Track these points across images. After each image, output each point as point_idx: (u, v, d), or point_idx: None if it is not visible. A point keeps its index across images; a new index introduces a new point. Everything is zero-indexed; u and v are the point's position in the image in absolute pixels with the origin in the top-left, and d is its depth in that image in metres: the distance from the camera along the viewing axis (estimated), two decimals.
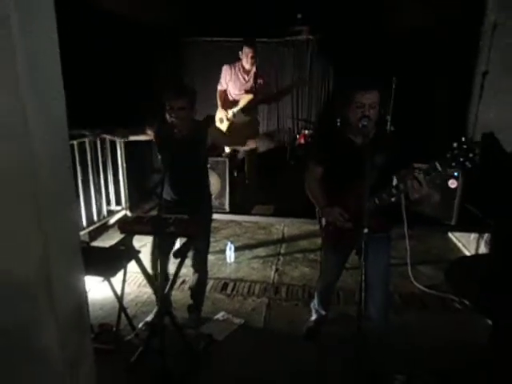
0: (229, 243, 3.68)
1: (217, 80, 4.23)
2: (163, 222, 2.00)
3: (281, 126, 5.85)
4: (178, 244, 2.59)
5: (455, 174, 3.20)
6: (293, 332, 2.61)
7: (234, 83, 4.19)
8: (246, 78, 4.14)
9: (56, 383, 1.26)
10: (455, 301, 2.88)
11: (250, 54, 3.99)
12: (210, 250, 3.42)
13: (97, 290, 2.93)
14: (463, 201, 3.27)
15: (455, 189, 3.22)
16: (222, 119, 4.28)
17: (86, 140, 3.72)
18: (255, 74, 4.10)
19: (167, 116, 2.28)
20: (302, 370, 2.27)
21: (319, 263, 3.50)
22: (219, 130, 2.65)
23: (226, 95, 4.25)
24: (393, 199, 1.89)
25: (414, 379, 2.12)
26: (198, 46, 5.65)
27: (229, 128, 4.23)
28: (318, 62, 5.61)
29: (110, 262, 2.26)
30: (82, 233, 3.71)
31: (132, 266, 2.34)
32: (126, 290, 2.85)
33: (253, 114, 4.29)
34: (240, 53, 4.06)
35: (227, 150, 4.09)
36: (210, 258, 3.64)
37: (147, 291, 3.01)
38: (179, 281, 3.17)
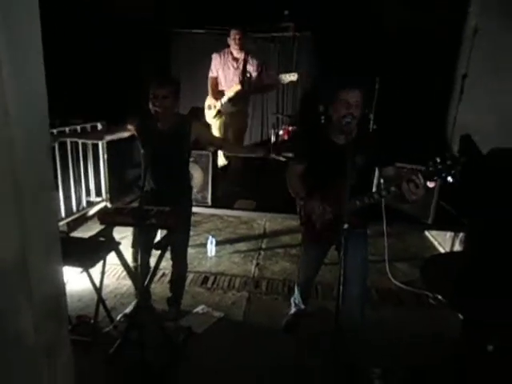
0: (210, 237, 3.69)
1: (203, 72, 4.22)
2: (144, 213, 1.99)
3: (265, 122, 5.86)
4: (158, 236, 2.58)
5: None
6: (272, 326, 2.64)
7: (223, 71, 4.16)
8: (235, 65, 4.11)
9: (33, 372, 1.25)
10: (429, 297, 2.97)
11: (238, 36, 3.96)
12: (191, 243, 3.42)
13: (75, 281, 2.89)
14: (439, 200, 3.35)
15: (433, 189, 3.30)
16: (210, 106, 4.25)
17: (67, 129, 3.65)
18: (245, 60, 4.08)
19: (150, 105, 2.25)
20: (280, 364, 2.30)
21: (299, 258, 3.54)
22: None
23: (217, 83, 4.21)
24: (373, 201, 1.93)
25: (389, 373, 2.18)
26: (184, 37, 5.59)
27: (216, 116, 4.22)
28: (303, 59, 5.62)
29: (88, 253, 2.23)
30: (60, 223, 3.64)
31: (112, 257, 2.32)
32: (105, 281, 2.82)
33: (241, 105, 4.27)
34: (228, 39, 4.04)
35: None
36: (191, 251, 3.64)
37: (127, 283, 2.99)
38: (159, 273, 3.16)
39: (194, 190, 3.52)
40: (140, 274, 2.32)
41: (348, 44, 4.91)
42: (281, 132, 5.09)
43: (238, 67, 4.10)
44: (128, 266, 2.25)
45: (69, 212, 3.77)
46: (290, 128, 5.18)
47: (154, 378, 2.15)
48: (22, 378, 1.23)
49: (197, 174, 3.61)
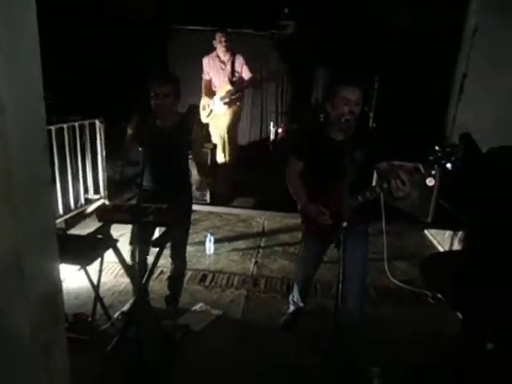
0: (208, 235, 3.67)
1: (199, 69, 4.28)
2: (142, 210, 1.97)
3: (264, 119, 5.84)
4: (157, 233, 2.56)
5: (433, 172, 3.26)
6: (270, 324, 2.63)
7: (214, 74, 4.30)
8: (223, 66, 4.22)
9: (28, 371, 1.24)
10: (428, 295, 2.96)
11: (223, 39, 4.08)
12: (190, 241, 3.40)
13: (72, 278, 2.88)
14: (439, 198, 3.35)
15: (432, 187, 3.29)
16: (205, 106, 4.36)
17: (65, 126, 3.63)
18: (232, 62, 4.17)
19: (152, 103, 2.24)
20: (279, 362, 2.29)
21: (298, 256, 3.54)
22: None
23: (211, 85, 4.34)
24: (375, 195, 1.93)
25: (388, 372, 2.17)
26: (182, 34, 5.56)
27: (209, 115, 4.30)
28: (302, 58, 5.60)
29: (86, 251, 2.22)
30: (58, 220, 3.63)
31: (110, 255, 2.31)
32: (103, 279, 2.81)
33: (233, 103, 4.33)
34: (214, 42, 4.15)
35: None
36: (190, 249, 3.62)
37: (124, 281, 2.97)
38: (157, 271, 3.15)
39: (193, 188, 3.50)
40: (138, 271, 2.31)
41: (348, 43, 4.90)
42: (279, 130, 5.08)
43: (225, 68, 4.25)
44: (126, 263, 2.24)
45: (67, 209, 3.75)
46: (289, 125, 5.17)
47: (152, 376, 2.14)
48: (17, 376, 1.22)
49: (195, 172, 3.59)
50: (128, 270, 2.23)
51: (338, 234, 1.63)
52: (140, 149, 2.41)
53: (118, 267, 3.09)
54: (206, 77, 4.34)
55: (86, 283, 2.40)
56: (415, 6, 4.47)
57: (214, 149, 3.84)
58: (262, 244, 3.91)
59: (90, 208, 4.09)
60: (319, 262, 2.50)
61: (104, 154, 4.16)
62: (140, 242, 2.21)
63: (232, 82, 4.21)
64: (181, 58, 5.47)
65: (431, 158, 1.72)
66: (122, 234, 2.92)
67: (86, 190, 4.08)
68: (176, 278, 2.68)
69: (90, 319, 2.39)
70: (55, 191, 3.55)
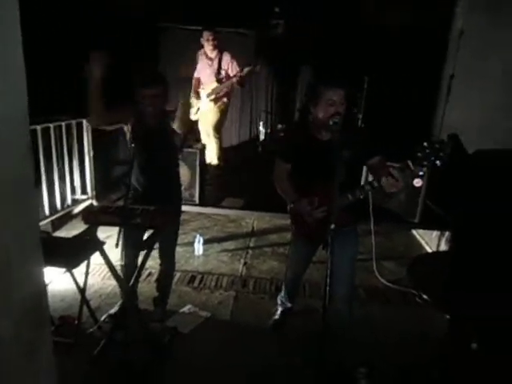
0: (197, 236, 3.65)
1: (189, 69, 4.31)
2: (130, 212, 1.95)
3: (254, 119, 5.84)
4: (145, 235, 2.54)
5: (420, 173, 3.29)
6: (259, 325, 2.62)
7: (202, 70, 4.38)
8: (210, 63, 4.24)
9: (13, 374, 1.21)
10: (416, 295, 2.99)
11: (211, 37, 4.11)
12: (179, 242, 3.36)
13: (59, 281, 2.82)
14: (426, 199, 3.39)
15: (420, 188, 3.33)
16: (192, 104, 4.42)
17: (51, 125, 3.57)
18: (219, 59, 4.19)
19: (140, 104, 2.22)
20: (267, 363, 2.28)
21: (287, 256, 3.54)
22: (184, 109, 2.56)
23: (199, 83, 4.41)
24: (364, 194, 1.94)
25: (375, 372, 2.18)
26: (172, 33, 5.52)
27: (197, 112, 4.39)
28: (292, 57, 5.60)
29: (72, 253, 2.18)
30: (44, 222, 3.58)
31: (97, 257, 2.27)
32: (90, 281, 2.78)
33: (219, 102, 4.35)
34: (201, 39, 4.18)
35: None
36: (178, 250, 3.59)
37: (112, 283, 2.94)
38: (146, 273, 3.12)
39: (182, 188, 3.49)
40: (125, 273, 2.29)
41: (337, 43, 4.92)
42: (269, 130, 5.09)
43: (212, 65, 4.28)
44: (113, 265, 2.20)
45: (53, 210, 3.69)
46: (279, 126, 5.18)
47: (140, 380, 2.11)
48: (1, 381, 1.19)
49: (184, 172, 3.57)
50: (115, 272, 2.20)
51: (327, 235, 1.64)
52: (130, 147, 2.38)
53: (106, 269, 3.05)
54: (196, 75, 4.42)
55: (72, 285, 2.36)
56: (403, 6, 4.51)
57: (203, 149, 3.83)
58: (252, 244, 3.90)
59: (78, 209, 4.03)
60: (308, 263, 2.51)
61: (91, 154, 4.11)
62: (128, 244, 2.18)
63: (218, 80, 4.25)
64: (171, 57, 5.44)
65: (420, 154, 1.74)
66: (109, 235, 2.89)
67: (73, 191, 4.02)
68: (164, 280, 2.65)
69: (76, 322, 2.35)
70: (41, 192, 3.49)
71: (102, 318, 2.53)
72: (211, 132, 4.49)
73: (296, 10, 5.16)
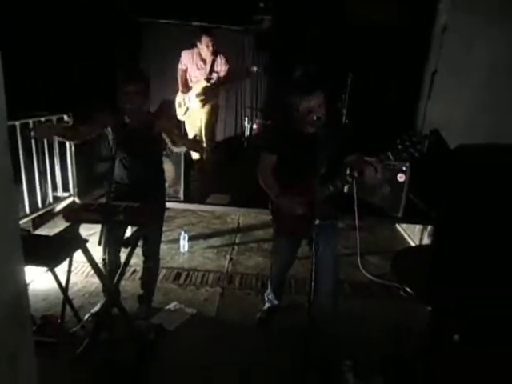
0: (183, 232, 3.63)
1: (175, 65, 4.20)
2: (112, 209, 1.92)
3: (239, 115, 5.81)
4: (129, 232, 2.51)
5: (404, 168, 3.34)
6: (246, 321, 2.62)
7: (192, 69, 4.23)
8: (203, 65, 4.16)
9: None
10: (400, 289, 3.03)
11: (211, 43, 4.00)
12: (164, 238, 3.33)
13: (41, 280, 2.77)
14: (409, 193, 3.43)
15: (403, 182, 3.37)
16: (181, 103, 4.29)
17: (30, 121, 3.49)
18: (213, 61, 4.10)
19: (121, 100, 2.21)
20: (254, 360, 2.29)
21: (272, 253, 3.55)
22: (170, 123, 2.52)
23: (187, 77, 4.26)
24: (346, 184, 2.01)
25: (360, 365, 2.21)
26: (156, 28, 5.42)
27: (185, 113, 4.23)
28: (277, 54, 5.59)
29: (53, 252, 2.13)
30: (25, 220, 3.50)
31: (80, 255, 2.23)
32: (73, 279, 2.74)
33: (210, 101, 4.27)
34: (198, 42, 4.06)
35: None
36: (163, 247, 3.56)
37: (95, 281, 2.89)
38: (130, 270, 3.09)
39: (166, 185, 3.45)
40: (108, 270, 2.25)
41: (321, 40, 4.93)
42: (254, 126, 5.07)
43: (205, 67, 4.20)
44: (96, 263, 2.17)
45: (34, 208, 3.61)
46: (263, 121, 5.17)
47: (124, 378, 2.09)
48: None
49: (169, 168, 3.53)
50: (98, 270, 2.17)
51: (311, 231, 1.64)
52: (112, 146, 2.34)
53: (89, 267, 3.00)
54: (182, 67, 4.25)
55: (55, 284, 2.31)
56: (387, 3, 4.54)
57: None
58: (237, 241, 3.90)
59: (59, 206, 3.95)
60: (293, 259, 2.52)
61: (73, 150, 4.03)
62: (110, 241, 2.15)
63: (209, 80, 4.17)
64: (155, 53, 5.36)
65: (399, 146, 1.86)
66: (92, 233, 2.84)
67: (55, 188, 3.94)
68: (149, 278, 2.63)
69: (59, 321, 2.31)
70: (21, 189, 3.41)
71: (86, 317, 2.49)
72: (202, 132, 4.38)
73: (281, 6, 5.15)
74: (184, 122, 4.47)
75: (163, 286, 2.98)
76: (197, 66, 4.20)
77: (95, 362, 2.08)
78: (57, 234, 2.37)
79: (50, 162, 3.80)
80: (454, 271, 1.67)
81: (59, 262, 2.14)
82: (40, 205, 3.70)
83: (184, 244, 3.59)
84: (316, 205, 1.78)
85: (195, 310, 2.72)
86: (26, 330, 1.35)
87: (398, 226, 4.31)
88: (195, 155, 4.43)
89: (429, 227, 3.63)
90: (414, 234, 3.96)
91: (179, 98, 4.30)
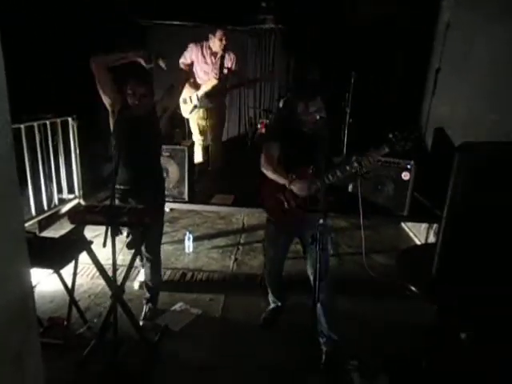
0: (187, 233, 3.64)
1: (178, 65, 4.10)
2: (116, 211, 1.93)
3: (242, 115, 5.81)
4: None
5: (408, 166, 3.32)
6: (250, 322, 2.63)
7: (199, 64, 4.06)
8: (213, 59, 4.03)
9: None
10: (406, 288, 3.01)
11: (224, 37, 3.91)
12: (169, 239, 3.35)
13: (47, 281, 2.79)
14: (414, 191, 3.41)
15: (408, 181, 3.35)
16: (186, 100, 4.15)
17: (35, 124, 3.51)
18: (222, 57, 4.02)
19: (129, 100, 2.26)
20: (258, 360, 2.29)
21: (265, 257, 3.55)
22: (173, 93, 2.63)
23: (190, 70, 4.09)
24: (344, 173, 2.12)
25: (366, 364, 2.20)
26: (159, 29, 5.44)
27: (192, 111, 4.15)
28: (281, 53, 5.59)
29: (58, 254, 2.15)
30: (30, 222, 3.53)
31: (85, 256, 2.25)
32: (79, 281, 2.76)
33: (218, 100, 4.21)
34: (210, 35, 3.95)
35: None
36: (168, 247, 3.59)
37: (101, 283, 2.90)
38: (135, 272, 3.09)
39: (170, 186, 3.46)
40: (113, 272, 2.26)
41: (324, 39, 4.93)
42: (258, 126, 5.07)
43: (215, 62, 4.04)
44: (101, 265, 2.18)
45: (39, 210, 3.64)
46: (267, 121, 5.16)
47: (130, 380, 2.10)
48: None
49: (173, 169, 3.54)
50: (103, 271, 2.18)
51: (314, 230, 1.65)
52: (114, 142, 2.36)
53: (95, 269, 3.02)
54: (185, 60, 4.05)
55: (61, 286, 2.32)
56: (390, 1, 4.53)
57: (191, 146, 3.78)
58: (242, 241, 3.90)
59: (65, 208, 3.98)
60: (285, 257, 2.53)
61: (78, 152, 4.05)
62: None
63: (219, 78, 4.02)
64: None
65: (393, 139, 2.07)
66: (97, 234, 2.86)
67: (60, 190, 3.96)
68: (152, 278, 2.63)
69: (65, 323, 2.33)
70: (27, 192, 3.43)
71: (94, 320, 2.50)
72: (210, 135, 4.29)
73: (282, 4, 5.14)
74: (188, 120, 4.39)
75: (168, 286, 2.98)
76: (206, 60, 4.04)
77: (101, 364, 2.09)
78: (62, 236, 2.38)
79: (55, 164, 3.83)
80: (459, 269, 1.67)
81: (65, 263, 2.16)
82: (46, 207, 3.73)
83: (189, 244, 3.59)
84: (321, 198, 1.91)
85: (200, 310, 2.72)
86: (32, 331, 1.36)
87: (403, 224, 4.28)
88: (198, 158, 4.40)
89: (434, 225, 3.61)
90: (419, 233, 3.94)
91: (184, 94, 4.08)
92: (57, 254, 2.14)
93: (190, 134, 4.46)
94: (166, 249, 3.49)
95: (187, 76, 4.01)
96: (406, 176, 3.35)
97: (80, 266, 2.43)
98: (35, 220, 3.59)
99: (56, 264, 2.09)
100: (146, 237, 2.21)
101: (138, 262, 2.87)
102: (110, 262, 1.98)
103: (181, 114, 4.26)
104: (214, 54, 4.03)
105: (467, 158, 1.95)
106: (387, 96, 4.68)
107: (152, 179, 2.48)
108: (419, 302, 2.79)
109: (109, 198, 3.53)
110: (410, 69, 4.54)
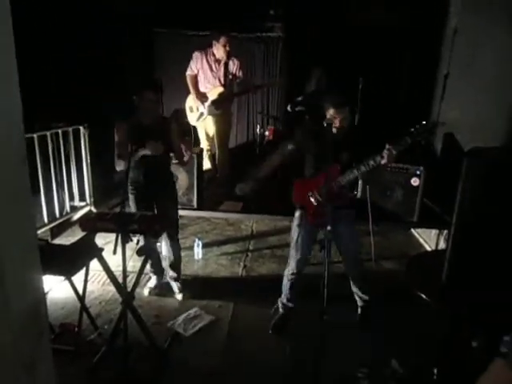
0: (196, 240, 3.65)
1: (182, 73, 4.15)
2: (127, 218, 1.96)
3: (250, 122, 5.84)
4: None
5: (417, 172, 3.31)
6: (259, 328, 2.62)
7: (204, 72, 4.10)
8: (217, 66, 4.07)
9: None
10: (415, 295, 2.98)
11: (228, 44, 3.95)
12: None
13: (59, 288, 2.83)
14: (424, 197, 3.39)
15: (417, 187, 3.33)
16: (192, 108, 4.19)
17: (48, 133, 3.58)
18: (226, 64, 4.05)
19: (141, 108, 2.49)
20: (267, 366, 2.29)
21: (287, 258, 3.54)
22: (176, 133, 2.77)
23: (197, 81, 4.14)
24: (368, 168, 2.28)
25: (376, 372, 2.18)
26: (167, 37, 5.51)
27: (199, 118, 4.20)
28: (288, 60, 5.61)
29: (70, 261, 2.19)
30: (43, 229, 3.58)
31: (96, 263, 2.28)
32: (90, 288, 2.79)
33: (225, 107, 4.24)
34: (214, 42, 3.99)
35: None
36: None
37: (112, 289, 2.92)
38: (145, 278, 3.11)
39: (180, 193, 3.49)
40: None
41: (333, 45, 4.94)
42: (266, 132, 5.08)
43: (219, 68, 4.08)
44: (111, 271, 2.21)
45: (52, 218, 3.69)
46: (273, 127, 5.16)
47: None
48: None
49: (182, 177, 3.58)
50: (114, 278, 2.21)
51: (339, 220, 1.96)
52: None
53: (105, 275, 3.05)
54: (192, 72, 4.09)
55: (72, 293, 2.36)
56: (397, 6, 4.53)
57: (200, 154, 3.81)
58: (251, 247, 3.90)
59: (76, 216, 4.03)
60: (311, 246, 2.56)
61: (89, 160, 4.12)
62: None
63: (224, 85, 4.07)
64: (165, 62, 5.45)
65: (415, 132, 2.20)
66: (107, 241, 2.90)
67: (72, 198, 4.02)
68: (174, 251, 2.90)
69: (76, 329, 2.35)
70: (39, 199, 3.49)
71: (105, 327, 2.52)
72: (215, 140, 4.34)
73: (292, 12, 5.18)
74: (195, 127, 4.44)
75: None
76: (210, 67, 4.07)
77: (112, 370, 2.11)
78: (73, 244, 2.42)
79: (66, 172, 3.89)
80: (469, 276, 1.65)
81: (76, 270, 2.19)
82: (58, 214, 3.78)
83: (198, 251, 3.61)
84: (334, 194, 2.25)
85: (213, 316, 2.72)
86: (44, 338, 1.38)
87: (413, 230, 4.25)
88: (207, 164, 4.44)
89: (445, 231, 3.58)
90: (430, 239, 3.90)
91: (190, 103, 4.18)
92: (68, 261, 2.17)
93: (197, 141, 4.51)
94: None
95: (193, 86, 4.09)
96: (415, 182, 3.33)
97: (91, 273, 2.46)
98: (47, 227, 3.64)
99: (67, 271, 2.12)
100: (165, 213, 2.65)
101: (148, 268, 2.90)
102: (121, 268, 2.01)
103: (188, 124, 4.33)
104: (217, 60, 4.06)
105: (476, 164, 1.94)
106: (396, 101, 4.67)
107: (165, 178, 2.80)
108: (429, 309, 2.77)
109: (119, 205, 3.59)
110: (418, 74, 4.53)
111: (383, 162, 2.22)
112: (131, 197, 2.68)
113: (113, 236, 2.30)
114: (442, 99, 4.03)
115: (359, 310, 2.74)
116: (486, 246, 1.64)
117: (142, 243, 2.42)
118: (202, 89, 4.15)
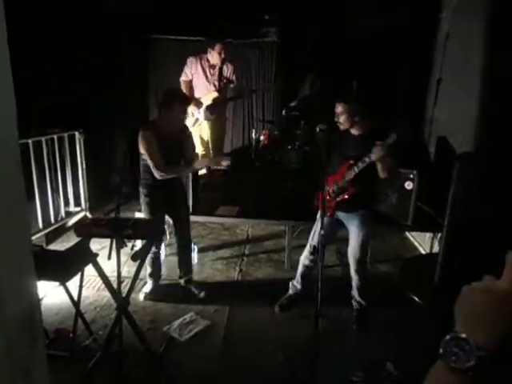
0: (192, 244, 3.64)
1: (177, 78, 4.17)
2: (121, 224, 1.96)
3: (246, 127, 5.86)
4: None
5: (411, 175, 3.33)
6: (255, 332, 2.63)
7: (198, 76, 4.14)
8: (212, 71, 4.11)
9: None
10: (409, 297, 3.00)
11: (224, 51, 3.99)
12: (174, 251, 3.37)
13: (53, 294, 2.83)
14: (418, 201, 3.41)
15: (411, 190, 3.36)
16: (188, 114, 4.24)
17: (43, 139, 3.58)
18: (220, 69, 4.10)
19: (167, 116, 2.61)
20: (263, 371, 2.29)
21: (282, 263, 3.56)
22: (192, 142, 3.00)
23: (192, 87, 4.18)
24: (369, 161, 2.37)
25: (372, 375, 2.19)
26: (162, 43, 5.53)
27: (194, 123, 4.23)
28: (283, 65, 5.65)
29: (64, 267, 2.18)
30: (38, 235, 3.57)
31: (91, 269, 2.27)
32: (85, 293, 2.78)
33: (220, 112, 4.28)
34: (209, 49, 4.03)
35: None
36: (173, 259, 3.60)
37: (106, 295, 2.91)
38: (140, 283, 3.11)
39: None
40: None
41: (326, 50, 4.98)
42: (261, 137, 5.10)
43: (213, 74, 4.13)
44: (106, 277, 2.21)
45: (47, 223, 3.68)
46: (269, 132, 5.18)
47: None
48: None
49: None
50: (109, 283, 2.21)
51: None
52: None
53: (100, 281, 3.05)
54: (187, 78, 4.13)
55: (67, 298, 2.36)
56: (389, 11, 4.58)
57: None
58: (247, 252, 3.91)
59: (71, 221, 4.02)
60: (331, 238, 2.73)
61: (84, 165, 4.11)
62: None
63: (219, 90, 4.12)
64: (160, 68, 5.47)
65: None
66: (102, 247, 2.90)
67: (67, 203, 4.01)
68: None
69: (71, 335, 2.35)
70: (34, 205, 3.48)
71: (100, 332, 2.51)
72: (210, 145, 4.37)
73: (287, 17, 5.22)
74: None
75: (173, 298, 3.00)
76: (205, 72, 4.13)
77: (107, 375, 2.10)
78: (68, 249, 2.41)
79: (62, 178, 3.88)
80: (461, 278, 1.67)
81: (71, 276, 2.19)
82: (53, 220, 3.77)
83: (193, 256, 3.60)
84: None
85: (209, 321, 2.72)
86: (39, 343, 1.38)
87: (408, 233, 4.27)
88: (202, 169, 4.45)
89: (439, 235, 3.60)
90: (424, 242, 3.92)
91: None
92: (63, 267, 2.17)
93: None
94: (170, 260, 3.51)
95: (188, 92, 4.11)
96: (409, 186, 3.35)
97: (86, 279, 2.46)
98: (42, 233, 3.63)
99: (62, 277, 2.12)
100: (175, 223, 2.89)
101: (143, 273, 2.89)
102: (115, 274, 2.01)
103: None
104: (212, 66, 4.12)
105: (467, 167, 1.97)
106: (389, 105, 4.70)
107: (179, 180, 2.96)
108: (423, 311, 2.79)
109: (114, 210, 3.59)
110: (411, 79, 4.57)
111: (373, 157, 2.32)
112: (147, 205, 2.70)
113: (108, 241, 2.30)
114: (435, 104, 4.07)
115: (355, 313, 2.76)
116: (477, 247, 1.66)
117: (136, 248, 2.42)
118: (196, 94, 4.18)
